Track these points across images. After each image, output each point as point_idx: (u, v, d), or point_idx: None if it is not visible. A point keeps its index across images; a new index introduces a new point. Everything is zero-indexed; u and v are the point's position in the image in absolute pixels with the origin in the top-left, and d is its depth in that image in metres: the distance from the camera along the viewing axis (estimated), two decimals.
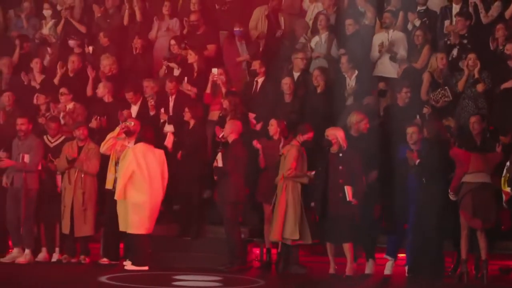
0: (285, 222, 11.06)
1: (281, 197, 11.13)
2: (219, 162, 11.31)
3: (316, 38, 13.24)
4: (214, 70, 12.44)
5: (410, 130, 11.02)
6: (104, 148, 11.61)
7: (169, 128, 12.24)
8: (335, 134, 10.91)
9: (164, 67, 13.25)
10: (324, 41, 13.10)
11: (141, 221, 11.21)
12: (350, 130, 11.22)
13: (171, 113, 12.38)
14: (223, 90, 12.34)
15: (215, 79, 12.43)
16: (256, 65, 12.60)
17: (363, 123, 11.24)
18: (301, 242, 11.10)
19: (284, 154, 11.15)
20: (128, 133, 11.63)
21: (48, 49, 13.86)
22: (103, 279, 10.44)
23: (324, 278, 10.96)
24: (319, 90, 12.18)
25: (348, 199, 10.70)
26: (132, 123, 11.64)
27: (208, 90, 12.56)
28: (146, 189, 11.21)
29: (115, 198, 11.20)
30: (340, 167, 10.82)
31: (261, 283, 10.58)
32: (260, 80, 12.54)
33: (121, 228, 11.28)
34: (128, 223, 11.19)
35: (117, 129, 11.54)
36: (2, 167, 11.71)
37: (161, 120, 12.36)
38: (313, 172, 11.09)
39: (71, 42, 13.70)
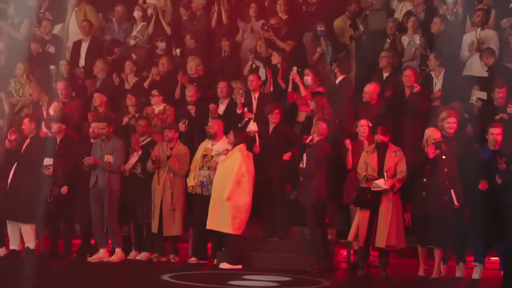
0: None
1: None
2: (304, 163, 11.31)
3: (406, 38, 13.08)
4: (294, 69, 12.45)
5: (494, 131, 10.75)
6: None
7: (252, 127, 12.29)
8: (438, 136, 10.74)
9: (249, 63, 13.35)
10: (417, 42, 12.92)
11: (241, 223, 11.34)
12: (442, 130, 11.06)
13: (254, 112, 12.43)
14: (302, 90, 12.33)
15: (293, 77, 12.43)
16: (333, 65, 12.56)
17: (446, 122, 11.02)
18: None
19: None
20: (211, 136, 11.77)
21: (133, 55, 14.11)
22: (165, 277, 10.54)
23: (411, 281, 10.79)
24: (408, 91, 12.00)
25: (456, 204, 10.54)
26: (211, 126, 11.77)
27: (289, 89, 12.56)
28: (249, 191, 11.34)
29: (224, 199, 11.24)
30: (445, 169, 10.65)
31: (325, 284, 10.50)
32: (338, 80, 12.44)
33: (213, 227, 11.34)
34: (226, 223, 11.27)
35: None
36: (88, 163, 11.81)
37: (245, 119, 12.42)
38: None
39: (159, 44, 13.94)
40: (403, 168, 10.86)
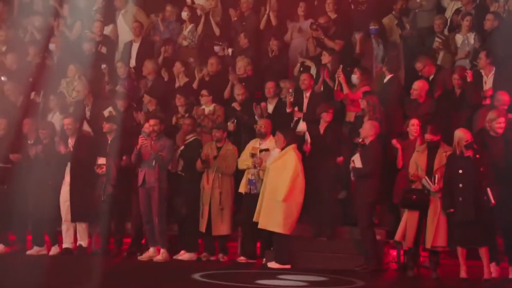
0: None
1: None
2: (356, 162, 11.20)
3: (459, 37, 12.92)
4: (340, 67, 12.45)
5: None
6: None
7: (302, 127, 12.26)
8: (469, 137, 10.58)
9: (298, 64, 13.31)
10: (471, 40, 12.77)
11: (293, 223, 11.35)
12: (489, 130, 10.89)
13: (304, 111, 12.41)
14: (345, 88, 12.36)
15: (338, 76, 12.42)
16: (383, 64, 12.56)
17: (495, 122, 10.85)
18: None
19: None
20: (262, 135, 11.78)
21: (191, 59, 14.20)
22: (197, 276, 10.54)
23: (463, 282, 10.62)
24: (458, 91, 11.85)
25: (492, 202, 10.36)
26: (262, 125, 11.79)
27: (336, 87, 12.55)
28: (302, 192, 11.33)
29: (280, 199, 11.22)
30: (481, 169, 10.48)
31: (359, 284, 10.40)
32: (386, 78, 12.40)
33: (266, 226, 11.34)
34: (278, 223, 11.27)
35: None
36: (143, 140, 11.73)
37: (295, 118, 12.40)
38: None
39: (216, 48, 13.98)
40: None
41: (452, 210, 10.50)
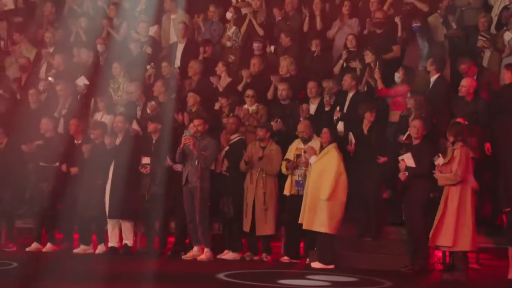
0: None
1: None
2: (408, 162, 11.02)
3: (508, 34, 12.72)
4: (377, 64, 12.42)
5: None
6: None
7: (339, 127, 12.21)
8: None
9: (341, 60, 13.26)
10: None
11: (337, 222, 11.29)
12: None
13: (345, 111, 12.34)
14: (379, 83, 12.30)
15: (375, 71, 12.38)
16: (427, 63, 12.36)
17: None
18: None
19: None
20: (306, 140, 11.75)
21: (231, 56, 14.21)
22: (221, 275, 10.48)
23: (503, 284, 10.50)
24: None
25: None
26: (304, 132, 11.74)
27: (377, 85, 12.51)
28: (345, 191, 11.28)
29: (323, 198, 11.15)
30: None
31: (386, 284, 10.24)
32: (433, 78, 12.25)
33: (311, 227, 11.27)
34: (323, 223, 11.21)
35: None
36: (186, 137, 11.75)
37: (334, 118, 12.35)
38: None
39: (255, 45, 13.99)
40: (455, 167, 10.48)
41: (508, 209, 10.33)
